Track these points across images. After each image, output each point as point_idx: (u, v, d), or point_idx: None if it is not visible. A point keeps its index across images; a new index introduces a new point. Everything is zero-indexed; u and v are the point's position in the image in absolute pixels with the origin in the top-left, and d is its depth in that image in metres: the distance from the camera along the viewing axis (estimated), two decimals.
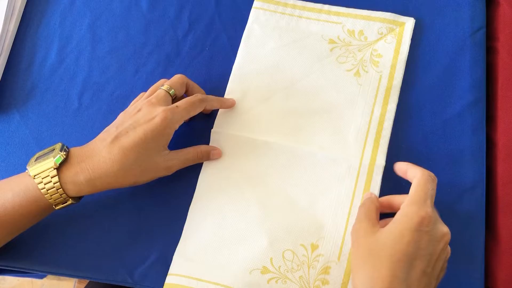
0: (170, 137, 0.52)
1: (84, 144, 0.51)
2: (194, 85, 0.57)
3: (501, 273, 0.52)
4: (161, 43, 0.64)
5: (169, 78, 0.57)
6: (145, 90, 0.56)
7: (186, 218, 0.55)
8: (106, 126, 0.53)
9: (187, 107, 0.52)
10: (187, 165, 0.54)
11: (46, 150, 0.50)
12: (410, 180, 0.47)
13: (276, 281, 0.50)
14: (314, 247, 0.52)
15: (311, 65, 0.59)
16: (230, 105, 0.58)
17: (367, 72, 0.58)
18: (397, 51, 0.59)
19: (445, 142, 0.55)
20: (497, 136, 0.56)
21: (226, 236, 0.53)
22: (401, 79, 0.58)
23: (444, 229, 0.44)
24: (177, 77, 0.55)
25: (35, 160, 0.49)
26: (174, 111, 0.51)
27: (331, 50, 0.60)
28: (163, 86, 0.54)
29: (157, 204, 0.56)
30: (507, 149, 0.54)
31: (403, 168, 0.50)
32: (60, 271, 0.55)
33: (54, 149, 0.49)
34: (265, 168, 0.56)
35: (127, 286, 0.55)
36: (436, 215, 0.44)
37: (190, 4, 0.65)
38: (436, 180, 0.46)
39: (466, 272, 0.52)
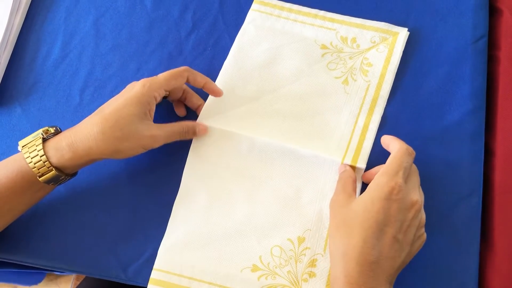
0: (151, 106, 0.52)
1: None
2: (197, 75, 0.56)
3: (495, 283, 0.51)
4: (164, 42, 0.64)
5: None
6: None
7: None
8: None
9: (167, 76, 0.53)
10: (172, 139, 0.54)
11: None
12: (391, 152, 0.49)
13: (266, 278, 0.51)
14: (301, 240, 0.52)
15: (301, 69, 0.60)
16: (216, 91, 0.57)
17: (355, 80, 0.58)
18: (387, 61, 0.59)
19: (443, 149, 0.55)
20: (496, 145, 0.55)
21: (214, 233, 0.54)
22: (389, 90, 0.58)
23: (414, 197, 0.45)
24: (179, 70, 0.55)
25: None
26: (152, 79, 0.52)
27: (323, 55, 0.60)
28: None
29: (153, 202, 0.56)
30: (505, 158, 0.54)
31: (386, 141, 0.52)
32: (53, 265, 0.55)
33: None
34: (249, 162, 0.56)
35: (120, 282, 0.55)
36: (408, 186, 0.46)
37: (194, 4, 0.65)
38: (413, 154, 0.48)
39: (460, 281, 0.51)
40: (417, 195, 0.46)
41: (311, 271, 0.51)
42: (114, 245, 0.55)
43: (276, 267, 0.52)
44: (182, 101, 0.59)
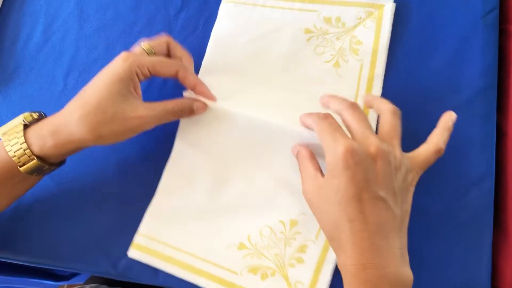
0: (136, 83, 0.48)
1: None
2: (177, 47, 0.52)
3: (509, 272, 0.49)
4: (151, 22, 0.61)
5: None
6: None
7: None
8: None
9: (155, 60, 0.48)
10: (166, 120, 0.49)
11: None
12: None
13: (252, 257, 0.50)
14: (293, 223, 0.51)
15: (287, 59, 0.56)
16: (209, 96, 0.52)
17: (346, 61, 0.55)
18: (377, 36, 0.55)
19: (452, 131, 0.51)
20: (508, 126, 0.53)
21: (204, 206, 0.52)
22: (384, 67, 0.54)
23: (371, 148, 0.40)
24: (159, 36, 0.52)
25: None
26: (136, 54, 0.48)
27: (308, 40, 0.57)
28: (142, 43, 0.50)
29: (142, 194, 0.54)
30: None
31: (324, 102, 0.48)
32: (40, 261, 0.53)
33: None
34: (246, 139, 0.52)
35: (111, 278, 0.52)
36: (358, 139, 0.41)
37: None
38: (330, 100, 0.45)
39: (472, 271, 0.49)
40: (372, 141, 0.41)
41: (299, 257, 0.49)
42: (103, 240, 0.53)
43: (263, 248, 0.50)
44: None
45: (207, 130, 0.53)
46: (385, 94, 0.54)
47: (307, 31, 0.57)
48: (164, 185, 0.53)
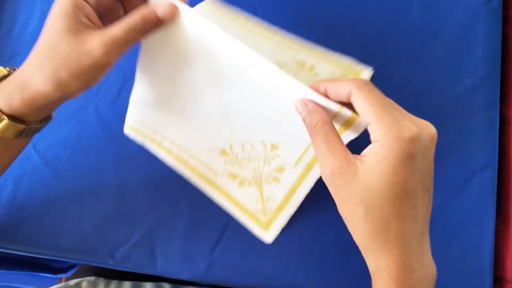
0: (87, 11, 0.40)
1: (70, 123, 0.47)
2: None
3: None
4: None
5: None
6: (134, 57, 0.50)
7: (172, 200, 0.52)
8: (91, 98, 0.50)
9: None
10: (130, 42, 0.40)
11: None
12: (341, 98, 0.36)
13: (232, 165, 0.51)
14: (274, 147, 0.50)
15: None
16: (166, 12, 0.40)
17: None
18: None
19: (455, 119, 0.52)
20: (511, 114, 0.52)
21: (190, 105, 0.48)
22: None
23: (432, 132, 0.34)
24: None
25: None
26: None
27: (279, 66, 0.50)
28: None
29: (141, 183, 0.53)
30: None
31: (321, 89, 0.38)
32: (38, 252, 0.53)
33: None
34: (232, 59, 0.43)
35: (108, 267, 0.52)
36: (413, 123, 0.33)
37: None
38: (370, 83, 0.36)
39: (474, 260, 0.49)
40: (425, 122, 0.35)
41: (276, 176, 0.51)
42: (101, 230, 0.52)
43: (244, 160, 0.51)
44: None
45: (184, 37, 0.43)
46: (387, 82, 0.53)
47: (279, 63, 0.52)
48: (140, 76, 0.48)
